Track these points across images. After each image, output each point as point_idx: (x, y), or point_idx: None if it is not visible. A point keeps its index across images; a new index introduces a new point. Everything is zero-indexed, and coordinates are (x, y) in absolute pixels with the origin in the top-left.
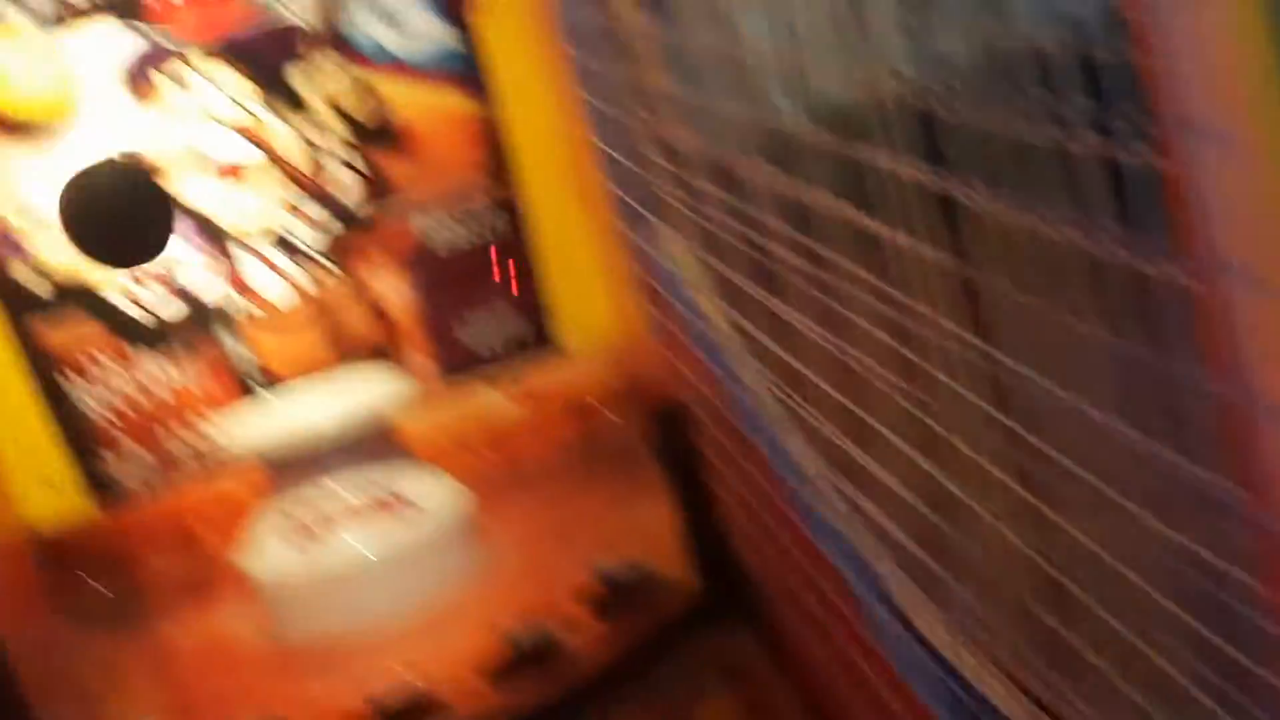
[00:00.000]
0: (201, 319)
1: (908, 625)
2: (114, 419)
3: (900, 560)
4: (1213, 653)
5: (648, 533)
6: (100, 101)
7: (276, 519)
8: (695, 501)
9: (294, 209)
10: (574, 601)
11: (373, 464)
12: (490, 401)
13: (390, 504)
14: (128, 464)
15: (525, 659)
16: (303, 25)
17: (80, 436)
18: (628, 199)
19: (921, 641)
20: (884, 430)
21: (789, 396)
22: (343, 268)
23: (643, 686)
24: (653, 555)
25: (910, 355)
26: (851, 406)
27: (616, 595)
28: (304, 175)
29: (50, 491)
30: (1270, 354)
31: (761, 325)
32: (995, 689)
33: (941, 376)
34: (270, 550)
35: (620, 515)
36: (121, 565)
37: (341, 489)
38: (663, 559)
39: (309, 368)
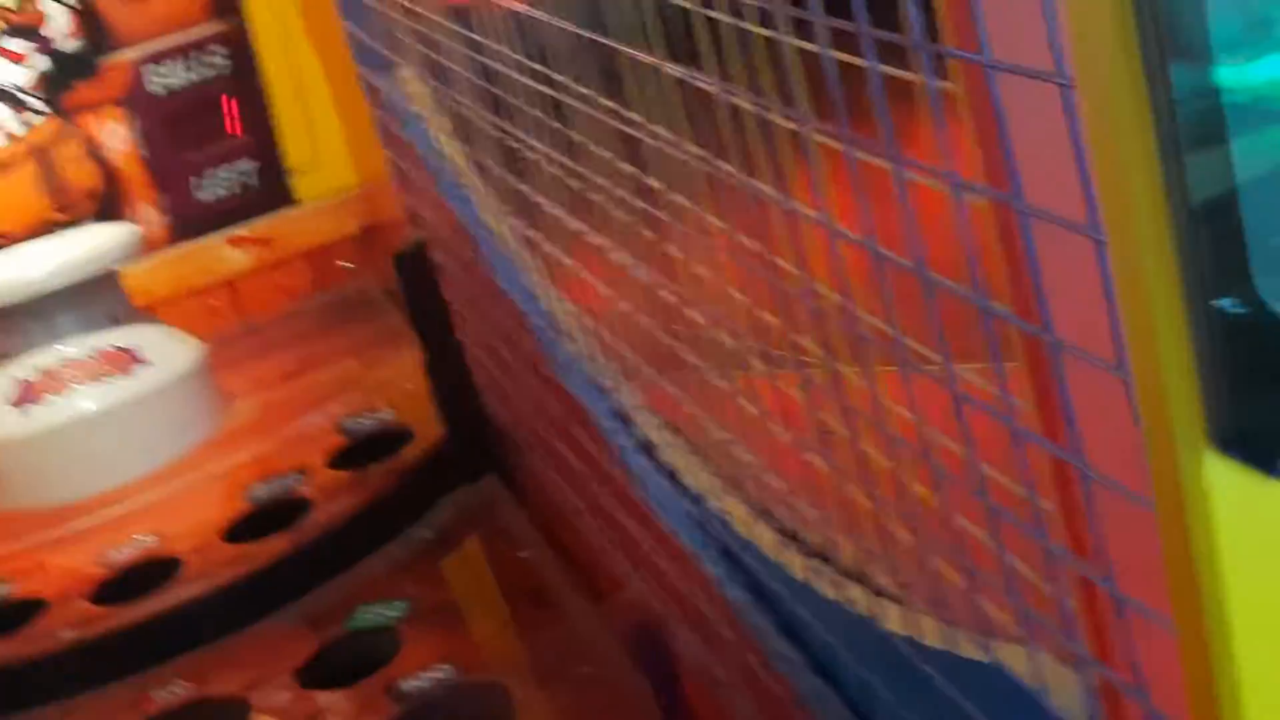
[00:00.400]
0: None
1: (656, 461)
2: None
3: (646, 397)
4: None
5: (392, 384)
6: None
7: None
8: (440, 349)
9: (2, 50)
10: (316, 455)
11: (101, 320)
12: (222, 252)
13: (120, 360)
14: None
15: (267, 515)
16: None
17: None
18: (363, 36)
19: (671, 477)
20: (624, 261)
21: (529, 234)
22: (60, 113)
23: (389, 539)
24: (397, 406)
25: (651, 183)
26: (593, 239)
27: (360, 448)
28: (13, 12)
29: None
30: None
31: (501, 164)
32: (746, 522)
33: (683, 202)
34: None
35: (363, 366)
36: None
37: (68, 347)
38: (408, 410)
39: (29, 221)
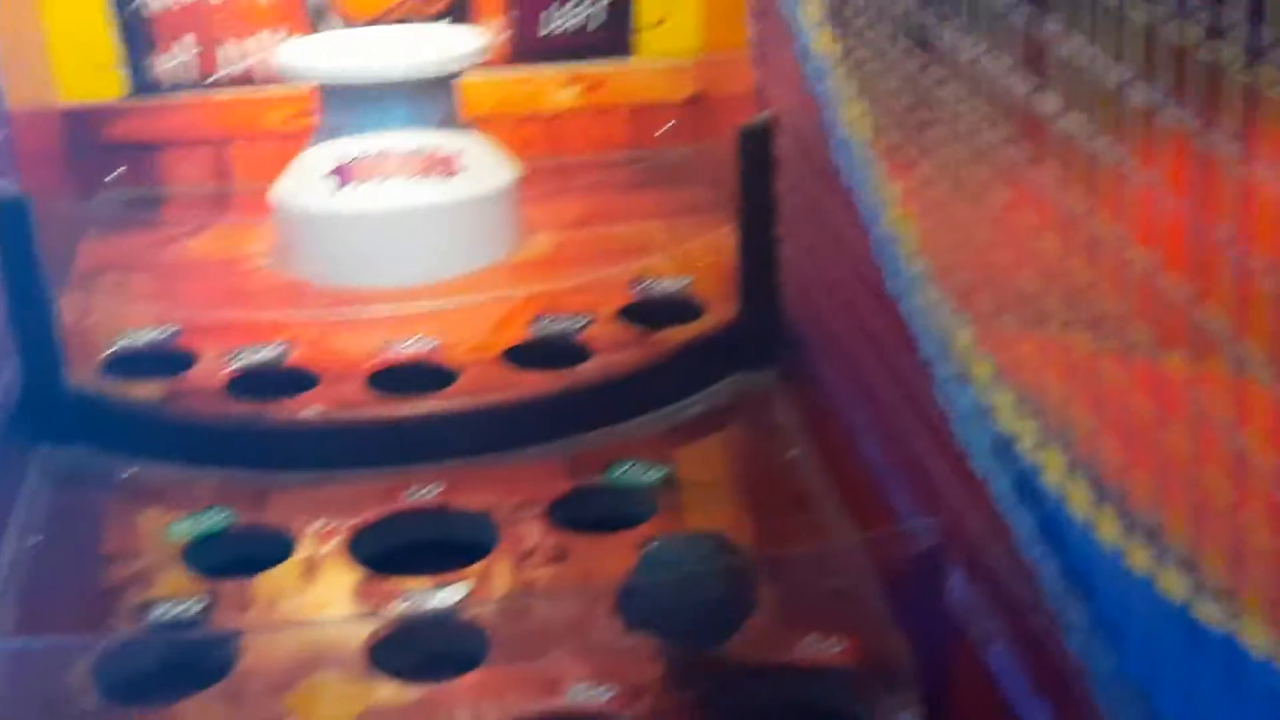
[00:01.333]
0: None
1: (974, 398)
2: (171, 16)
3: (983, 333)
4: None
5: (694, 256)
6: None
7: (319, 156)
8: (757, 232)
9: None
10: (606, 305)
11: (430, 120)
12: (553, 85)
13: (439, 163)
14: (178, 65)
15: (547, 349)
16: None
17: (134, 29)
18: None
19: (987, 417)
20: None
21: (896, 141)
22: None
23: (659, 405)
24: (696, 278)
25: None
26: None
27: (650, 309)
28: None
29: (97, 77)
30: None
31: (875, 56)
32: (1062, 477)
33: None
34: (306, 187)
35: (667, 232)
36: (153, 161)
37: (391, 140)
38: (706, 285)
39: (380, 7)
